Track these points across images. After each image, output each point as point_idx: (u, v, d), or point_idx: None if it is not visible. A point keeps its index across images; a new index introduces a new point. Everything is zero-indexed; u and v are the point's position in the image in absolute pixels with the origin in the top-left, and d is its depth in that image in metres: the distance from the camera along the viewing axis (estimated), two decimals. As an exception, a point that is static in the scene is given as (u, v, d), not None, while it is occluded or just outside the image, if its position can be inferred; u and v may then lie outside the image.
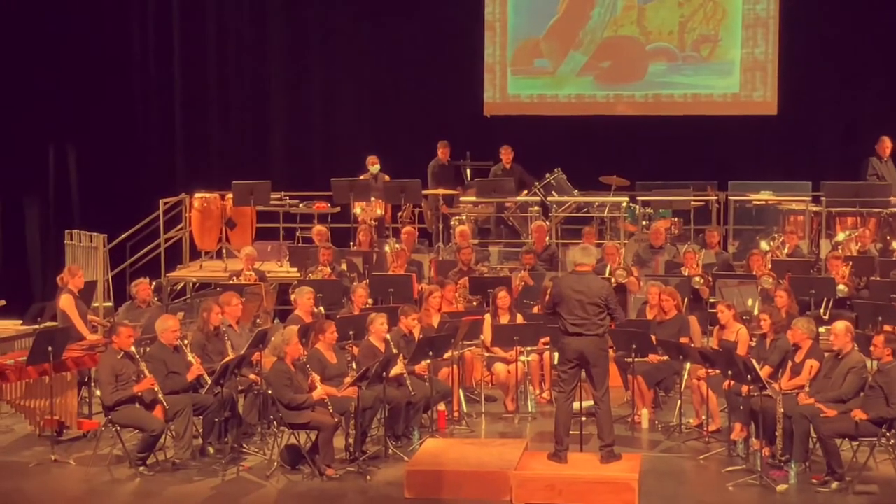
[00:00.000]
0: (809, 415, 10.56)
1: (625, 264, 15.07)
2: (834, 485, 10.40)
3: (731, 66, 20.17)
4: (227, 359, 11.27)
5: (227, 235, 17.63)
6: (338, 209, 17.71)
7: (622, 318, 11.26)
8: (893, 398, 10.35)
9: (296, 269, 15.93)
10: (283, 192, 18.16)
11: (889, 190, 16.71)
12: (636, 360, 12.09)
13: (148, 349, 11.47)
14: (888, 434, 10.43)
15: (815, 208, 16.90)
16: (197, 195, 17.73)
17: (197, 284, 17.27)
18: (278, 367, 10.97)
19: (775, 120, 19.96)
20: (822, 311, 13.92)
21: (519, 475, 10.35)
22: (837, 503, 10.22)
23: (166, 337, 11.28)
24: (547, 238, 16.42)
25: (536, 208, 17.49)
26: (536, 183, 17.85)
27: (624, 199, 17.42)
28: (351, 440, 11.18)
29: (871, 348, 10.82)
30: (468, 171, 19.21)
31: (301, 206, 18.07)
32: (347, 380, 11.22)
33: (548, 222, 17.03)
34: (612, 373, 11.55)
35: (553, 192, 17.71)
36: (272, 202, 17.70)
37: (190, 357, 11.26)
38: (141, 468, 10.98)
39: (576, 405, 10.94)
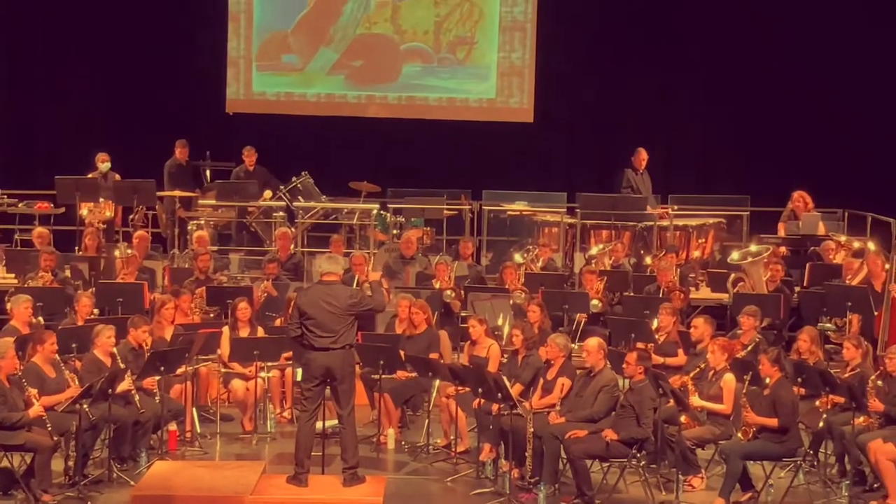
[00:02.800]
0: (560, 435, 10.82)
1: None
2: (583, 507, 10.69)
3: (487, 71, 20.59)
4: (-69, 373, 10.79)
5: (-65, 236, 16.94)
6: (62, 210, 17.26)
7: (381, 302, 11.13)
8: (644, 418, 10.72)
9: (13, 276, 15.41)
10: None
11: (644, 203, 17.33)
12: (383, 376, 12.15)
13: None
14: (639, 455, 10.79)
15: (569, 220, 17.38)
16: None
17: None
18: (-10, 383, 10.57)
19: (531, 128, 20.46)
20: (573, 327, 14.28)
21: (255, 500, 10.27)
22: (587, 526, 10.52)
23: None
24: (292, 246, 16.36)
25: (281, 214, 17.42)
26: (282, 187, 17.78)
27: (374, 207, 17.53)
28: (71, 463, 10.90)
29: (624, 366, 11.17)
30: (208, 173, 19.00)
31: (20, 205, 17.54)
32: (68, 394, 10.90)
33: (293, 229, 16.98)
34: (358, 390, 11.59)
35: (299, 197, 17.68)
36: (-13, 201, 17.14)
37: None
38: None
39: (318, 425, 10.93)
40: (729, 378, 11.11)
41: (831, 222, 17.29)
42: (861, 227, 17.33)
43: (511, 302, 14.30)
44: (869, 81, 19.83)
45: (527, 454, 10.98)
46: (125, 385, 11.28)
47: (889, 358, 10.99)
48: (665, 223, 17.21)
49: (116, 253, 15.77)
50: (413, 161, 19.73)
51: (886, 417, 10.78)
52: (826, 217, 16.98)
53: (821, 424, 11.23)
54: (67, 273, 15.06)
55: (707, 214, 17.72)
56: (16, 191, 17.82)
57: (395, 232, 17.61)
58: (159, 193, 17.48)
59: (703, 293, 15.75)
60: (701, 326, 12.17)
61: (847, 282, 14.50)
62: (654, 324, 13.08)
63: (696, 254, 17.18)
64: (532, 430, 10.92)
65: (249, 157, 18.23)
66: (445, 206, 17.93)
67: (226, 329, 13.14)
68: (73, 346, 11.91)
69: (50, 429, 10.58)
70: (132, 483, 10.87)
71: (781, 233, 16.66)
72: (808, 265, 15.55)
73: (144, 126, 19.58)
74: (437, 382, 12.34)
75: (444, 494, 11.29)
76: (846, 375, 11.36)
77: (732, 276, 14.97)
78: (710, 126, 20.58)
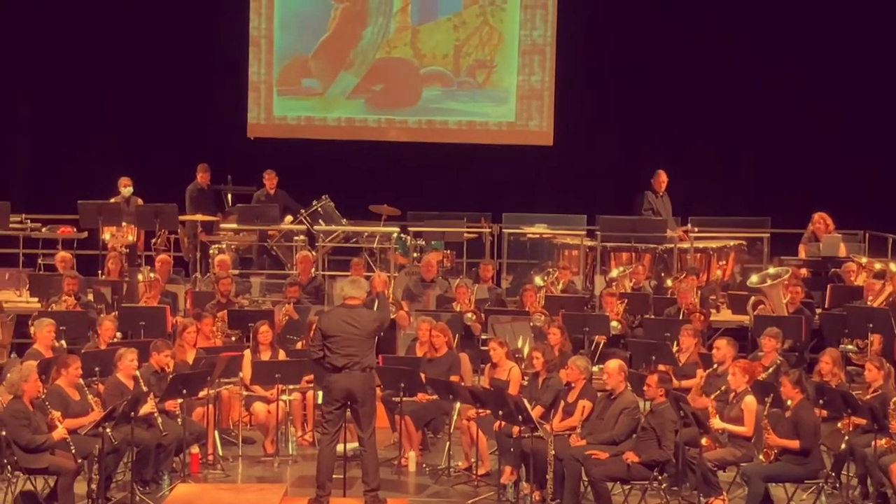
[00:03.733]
0: (581, 457, 10.82)
1: (394, 298, 15.18)
2: (605, 529, 10.68)
3: (506, 94, 20.63)
4: (-45, 397, 10.86)
5: (-41, 261, 17.03)
6: (85, 234, 17.32)
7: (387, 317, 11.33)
8: (665, 440, 10.71)
9: (36, 299, 15.49)
10: (23, 215, 17.68)
11: (664, 225, 17.32)
12: (404, 399, 12.17)
13: None
14: (660, 477, 10.77)
15: (589, 243, 17.38)
16: (-75, 216, 17.08)
17: (-77, 314, 16.58)
18: (14, 406, 10.62)
19: (551, 150, 20.48)
20: (593, 349, 14.28)
21: (277, 523, 10.30)
22: (608, 548, 10.50)
23: None
24: (313, 269, 16.40)
25: (302, 237, 17.45)
26: (302, 210, 17.83)
27: (394, 230, 17.55)
28: (94, 486, 10.92)
29: (644, 388, 11.17)
30: (229, 197, 19.05)
31: (44, 230, 17.60)
32: (91, 418, 10.94)
33: (314, 252, 17.02)
34: (379, 413, 11.61)
35: (320, 221, 17.72)
36: (11, 225, 17.20)
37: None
38: None
39: (340, 447, 10.95)
40: (750, 400, 11.09)
41: (852, 244, 17.24)
42: (882, 249, 17.29)
43: (531, 324, 14.30)
44: (890, 102, 19.79)
45: (548, 476, 10.97)
46: (148, 408, 11.31)
47: (911, 379, 10.98)
48: (685, 245, 17.20)
49: (139, 277, 15.82)
50: (433, 184, 19.76)
51: (908, 439, 10.76)
52: (847, 239, 16.94)
53: (843, 446, 11.20)
54: (90, 297, 15.12)
55: (727, 236, 17.69)
56: (39, 215, 17.90)
57: (415, 255, 17.63)
58: (181, 217, 17.54)
59: (724, 315, 15.74)
60: (723, 348, 12.14)
61: (868, 303, 14.48)
62: (675, 346, 13.08)
63: (716, 275, 17.15)
64: (553, 452, 10.92)
65: (270, 180, 18.29)
66: (465, 230, 17.95)
67: (247, 352, 13.18)
68: (96, 369, 11.94)
69: (74, 452, 10.62)
70: (155, 506, 10.93)
71: (802, 254, 16.64)
72: (829, 287, 15.52)
73: (166, 151, 19.67)
74: (458, 405, 12.35)
75: (466, 517, 11.31)
76: (868, 397, 11.33)
77: (752, 298, 14.94)
78: (731, 148, 20.56)
